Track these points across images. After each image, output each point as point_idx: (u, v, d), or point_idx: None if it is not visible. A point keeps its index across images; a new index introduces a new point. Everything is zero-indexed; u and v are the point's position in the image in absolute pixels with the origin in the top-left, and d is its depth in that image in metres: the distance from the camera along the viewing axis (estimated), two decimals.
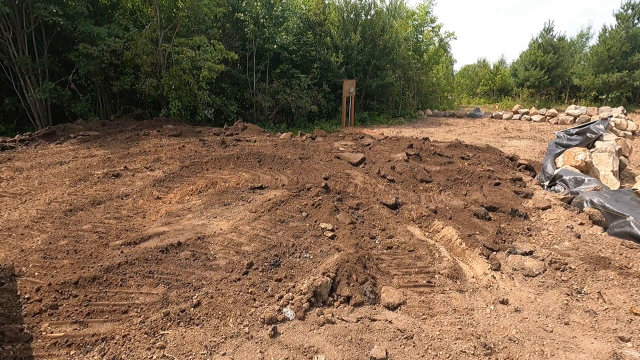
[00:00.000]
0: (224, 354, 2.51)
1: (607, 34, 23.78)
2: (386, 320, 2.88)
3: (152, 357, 2.45)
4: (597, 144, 7.74)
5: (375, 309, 3.07)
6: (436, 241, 4.25)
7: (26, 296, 2.95)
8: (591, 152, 7.35)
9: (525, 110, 19.08)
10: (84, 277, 3.19)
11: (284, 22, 14.75)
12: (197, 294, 3.08)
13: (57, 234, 4.11)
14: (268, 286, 3.29)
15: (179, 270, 3.41)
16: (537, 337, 2.79)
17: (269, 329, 2.72)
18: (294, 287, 3.26)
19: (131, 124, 10.59)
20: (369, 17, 17.01)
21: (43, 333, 2.60)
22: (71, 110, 10.89)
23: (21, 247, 3.81)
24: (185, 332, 2.67)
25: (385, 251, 4.03)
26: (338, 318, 2.90)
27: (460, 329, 2.82)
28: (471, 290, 3.43)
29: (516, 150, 10.22)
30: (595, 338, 2.81)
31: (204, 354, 2.50)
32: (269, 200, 5.01)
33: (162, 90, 11.26)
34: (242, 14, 13.41)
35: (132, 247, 3.79)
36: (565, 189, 6.01)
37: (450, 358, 2.53)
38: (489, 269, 3.75)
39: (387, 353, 2.51)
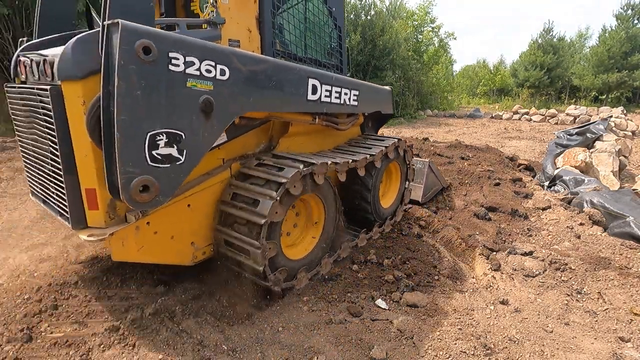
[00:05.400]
0: (222, 352, 2.51)
1: (607, 35, 23.80)
2: (386, 320, 2.88)
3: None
4: (597, 144, 7.74)
5: (375, 309, 3.06)
6: (436, 241, 4.25)
7: (26, 296, 2.95)
8: (591, 153, 7.35)
9: (525, 110, 19.08)
10: (83, 277, 3.20)
11: None
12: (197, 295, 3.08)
13: (57, 234, 4.11)
14: None
15: (179, 271, 3.41)
16: (537, 337, 2.79)
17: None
18: None
19: None
20: (368, 17, 17.03)
21: (43, 333, 2.60)
22: None
23: (21, 247, 3.82)
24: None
25: None
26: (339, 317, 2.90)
27: (460, 329, 2.82)
28: (471, 290, 3.43)
29: (516, 150, 10.22)
30: (595, 338, 2.81)
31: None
32: None
33: None
34: None
35: None
36: (565, 189, 6.01)
37: (450, 358, 2.53)
38: (489, 269, 3.75)
39: (387, 353, 2.51)
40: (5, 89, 2.87)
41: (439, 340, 2.68)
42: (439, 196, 5.69)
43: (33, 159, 2.77)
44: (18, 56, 2.76)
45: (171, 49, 2.09)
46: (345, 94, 3.47)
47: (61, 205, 2.49)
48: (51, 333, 2.60)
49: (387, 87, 4.56)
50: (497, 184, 6.17)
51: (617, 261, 3.85)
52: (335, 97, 3.35)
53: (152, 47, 1.98)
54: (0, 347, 2.45)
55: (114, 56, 1.93)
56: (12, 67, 2.84)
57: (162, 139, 2.12)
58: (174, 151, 2.18)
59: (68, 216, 2.38)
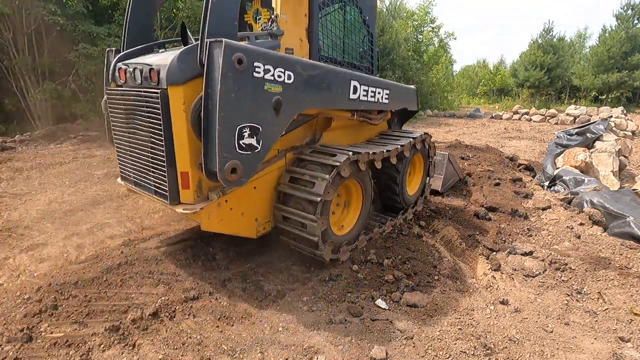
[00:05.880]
0: (222, 352, 2.51)
1: (606, 35, 23.80)
2: (386, 320, 2.88)
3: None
4: (597, 144, 7.74)
5: (375, 309, 3.06)
6: (436, 241, 4.25)
7: (26, 296, 2.95)
8: (591, 153, 7.35)
9: (525, 110, 19.07)
10: (83, 277, 3.20)
11: None
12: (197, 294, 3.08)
13: (57, 234, 4.11)
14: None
15: (179, 271, 3.41)
16: (537, 337, 2.79)
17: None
18: None
19: None
20: None
21: (43, 333, 2.60)
22: (71, 111, 10.89)
23: (21, 247, 3.82)
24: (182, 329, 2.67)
25: None
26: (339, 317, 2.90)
27: (460, 329, 2.82)
28: (471, 290, 3.42)
29: (516, 150, 10.22)
30: (595, 338, 2.81)
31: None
32: None
33: None
34: None
35: (132, 248, 3.79)
36: (565, 189, 6.01)
37: (450, 358, 2.53)
38: (489, 269, 3.75)
39: (387, 353, 2.51)
40: (106, 91, 3.35)
41: (439, 340, 2.68)
42: (439, 196, 5.71)
43: (130, 148, 3.22)
44: (116, 64, 3.25)
45: (255, 60, 2.61)
46: (379, 93, 4.06)
47: (159, 186, 2.97)
48: (51, 333, 2.60)
49: (412, 87, 5.15)
50: (497, 184, 6.17)
51: (617, 261, 3.85)
52: (371, 96, 3.93)
53: (243, 59, 2.51)
54: (0, 347, 2.45)
55: (217, 66, 2.45)
56: (110, 73, 3.32)
57: (246, 131, 2.66)
58: (254, 141, 2.73)
59: (166, 194, 2.88)
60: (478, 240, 4.26)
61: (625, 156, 7.90)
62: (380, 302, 3.12)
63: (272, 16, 3.23)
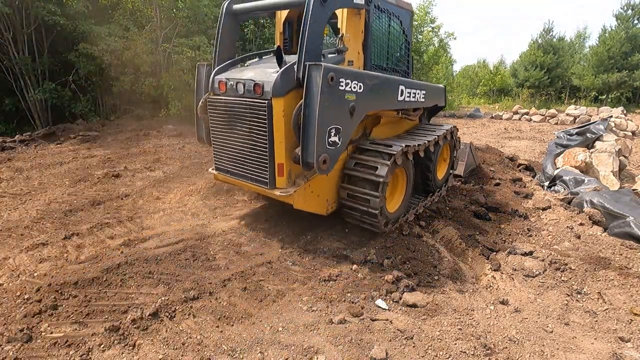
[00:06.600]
0: (222, 352, 2.51)
1: (606, 35, 23.78)
2: (386, 320, 2.88)
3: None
4: (597, 144, 7.74)
5: (375, 309, 3.06)
6: (436, 241, 4.25)
7: (26, 296, 2.95)
8: (591, 153, 7.35)
9: (525, 110, 19.03)
10: (83, 277, 3.20)
11: None
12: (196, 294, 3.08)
13: (57, 234, 4.11)
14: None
15: (179, 271, 3.41)
16: (537, 337, 2.79)
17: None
18: None
19: (131, 124, 10.59)
20: None
21: (43, 333, 2.59)
22: (71, 111, 10.86)
23: (21, 247, 3.81)
24: (180, 326, 2.67)
25: None
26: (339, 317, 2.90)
27: (460, 329, 2.82)
28: (471, 290, 3.42)
29: (516, 150, 10.21)
30: (595, 338, 2.81)
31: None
32: (269, 199, 5.01)
33: (162, 90, 11.25)
34: None
35: (132, 248, 3.79)
36: (565, 190, 6.01)
37: (450, 358, 2.53)
38: (489, 269, 3.75)
39: (387, 353, 2.51)
40: (208, 99, 4.03)
41: (439, 340, 2.68)
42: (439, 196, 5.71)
43: (229, 145, 3.94)
44: (214, 77, 4.00)
45: (341, 77, 3.37)
46: (417, 93, 4.83)
47: (259, 174, 3.70)
48: (51, 333, 2.60)
49: (441, 85, 6.03)
50: (497, 184, 6.16)
51: (617, 261, 3.85)
52: (412, 96, 4.70)
53: (334, 77, 3.28)
54: (0, 347, 2.45)
55: (316, 83, 3.20)
56: (210, 84, 4.05)
57: (333, 131, 3.42)
58: (337, 139, 3.50)
59: (266, 181, 3.62)
60: (478, 240, 4.26)
61: (625, 156, 7.90)
62: (380, 302, 3.12)
63: (339, 35, 4.01)
